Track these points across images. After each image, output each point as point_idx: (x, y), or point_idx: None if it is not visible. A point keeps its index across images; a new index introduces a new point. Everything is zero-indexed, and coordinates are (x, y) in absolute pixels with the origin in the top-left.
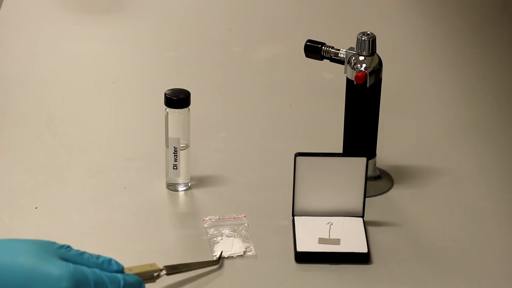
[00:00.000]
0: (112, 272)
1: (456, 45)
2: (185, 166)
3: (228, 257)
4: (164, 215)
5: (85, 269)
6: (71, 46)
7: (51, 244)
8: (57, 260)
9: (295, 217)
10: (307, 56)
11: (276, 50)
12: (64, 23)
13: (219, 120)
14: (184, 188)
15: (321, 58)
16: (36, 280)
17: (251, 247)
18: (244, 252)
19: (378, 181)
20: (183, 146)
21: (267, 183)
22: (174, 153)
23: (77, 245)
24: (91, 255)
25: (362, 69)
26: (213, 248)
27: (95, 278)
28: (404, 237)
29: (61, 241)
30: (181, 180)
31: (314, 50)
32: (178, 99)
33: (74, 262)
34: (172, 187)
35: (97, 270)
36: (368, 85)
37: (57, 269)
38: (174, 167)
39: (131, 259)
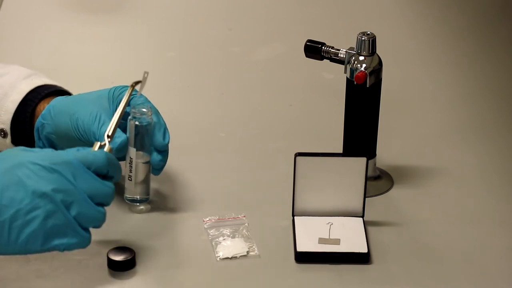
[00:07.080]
0: None
1: (456, 45)
2: (144, 180)
3: (232, 258)
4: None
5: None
6: (71, 46)
7: None
8: None
9: (295, 217)
10: (307, 56)
11: (276, 50)
12: (64, 23)
13: (219, 120)
14: (141, 204)
15: (321, 58)
16: None
17: (254, 246)
18: (248, 252)
19: (378, 181)
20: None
21: (267, 183)
22: (129, 163)
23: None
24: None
25: (362, 69)
26: (215, 249)
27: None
28: (404, 237)
29: None
30: (138, 196)
31: (314, 50)
32: None
33: None
34: (131, 200)
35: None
36: (368, 85)
37: None
38: (129, 178)
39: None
